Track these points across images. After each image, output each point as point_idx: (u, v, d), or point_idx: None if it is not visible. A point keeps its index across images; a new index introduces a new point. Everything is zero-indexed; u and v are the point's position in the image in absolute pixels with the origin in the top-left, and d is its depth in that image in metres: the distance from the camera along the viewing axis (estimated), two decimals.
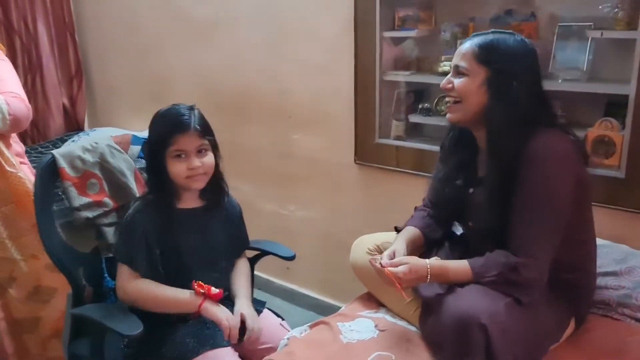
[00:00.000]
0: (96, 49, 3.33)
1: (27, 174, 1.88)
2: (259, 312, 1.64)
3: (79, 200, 1.63)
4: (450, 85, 1.46)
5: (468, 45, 1.44)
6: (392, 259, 1.46)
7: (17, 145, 1.99)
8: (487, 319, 1.26)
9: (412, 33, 2.11)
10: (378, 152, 2.28)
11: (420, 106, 2.20)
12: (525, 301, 1.33)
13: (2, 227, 1.84)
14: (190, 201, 1.60)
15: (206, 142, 1.55)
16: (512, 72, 1.39)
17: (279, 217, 2.73)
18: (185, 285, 1.52)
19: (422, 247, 1.63)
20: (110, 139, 1.74)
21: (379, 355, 1.47)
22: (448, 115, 1.49)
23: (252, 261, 1.82)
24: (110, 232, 1.69)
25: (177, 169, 1.51)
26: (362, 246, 1.74)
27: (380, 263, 1.43)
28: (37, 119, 3.13)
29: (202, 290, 1.49)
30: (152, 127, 1.58)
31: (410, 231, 1.62)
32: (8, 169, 1.85)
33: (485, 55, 1.40)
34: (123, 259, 1.54)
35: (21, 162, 1.94)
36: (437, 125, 2.17)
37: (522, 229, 1.35)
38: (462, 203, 1.54)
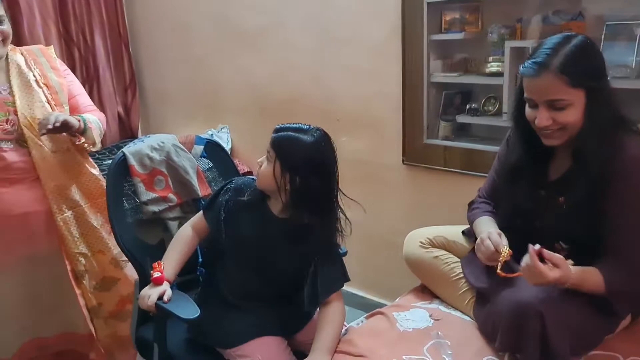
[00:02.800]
0: (149, 60, 3.47)
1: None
2: (315, 310, 1.62)
3: (146, 195, 1.73)
4: (550, 122, 1.33)
5: (549, 74, 1.29)
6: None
7: None
8: (543, 307, 1.28)
9: (459, 35, 2.16)
10: (426, 153, 2.33)
11: (467, 106, 2.24)
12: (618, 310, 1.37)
13: (76, 225, 1.96)
14: (276, 208, 1.53)
15: (270, 153, 1.48)
16: (599, 77, 1.33)
17: None
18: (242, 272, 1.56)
19: None
20: (175, 139, 1.84)
21: (436, 342, 1.51)
22: (547, 141, 1.39)
23: None
24: (174, 226, 1.78)
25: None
26: (415, 240, 1.78)
27: (532, 248, 1.30)
28: None
29: (152, 271, 1.53)
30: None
31: (491, 221, 1.58)
32: (90, 170, 2.01)
33: (575, 75, 1.29)
34: (205, 206, 1.62)
35: None
36: (485, 125, 2.22)
37: (629, 241, 1.35)
38: (526, 202, 1.50)
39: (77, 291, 1.95)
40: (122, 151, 1.71)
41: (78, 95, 2.07)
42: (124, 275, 2.06)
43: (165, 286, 1.51)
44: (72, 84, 2.06)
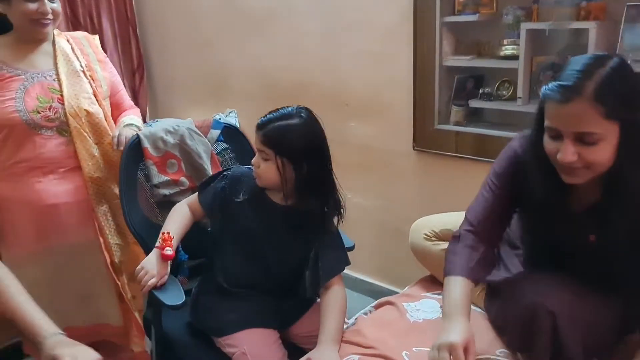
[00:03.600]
0: (157, 44, 3.44)
1: None
2: (314, 301, 1.60)
3: (158, 178, 1.72)
4: (576, 158, 1.12)
5: (581, 101, 1.07)
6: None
7: None
8: (555, 306, 1.22)
9: (473, 17, 2.11)
10: (437, 138, 2.30)
11: (480, 91, 2.20)
12: None
13: (112, 218, 1.92)
14: (278, 196, 1.51)
15: (268, 150, 1.43)
16: (638, 107, 1.11)
17: None
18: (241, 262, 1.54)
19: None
20: (191, 123, 1.83)
21: None
22: (568, 178, 1.18)
23: None
24: None
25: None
26: (420, 231, 1.74)
27: None
28: None
29: (160, 243, 1.49)
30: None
31: (464, 295, 1.28)
32: None
33: (612, 104, 1.07)
34: (200, 187, 1.58)
35: None
36: (498, 109, 2.19)
37: None
38: (551, 239, 1.34)
39: (118, 283, 1.92)
40: (137, 133, 1.70)
41: (121, 91, 2.04)
42: None
43: (167, 268, 1.50)
44: (114, 78, 2.02)
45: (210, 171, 1.80)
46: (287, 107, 1.46)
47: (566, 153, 1.12)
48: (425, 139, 2.34)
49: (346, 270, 2.76)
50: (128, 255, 1.96)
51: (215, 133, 1.84)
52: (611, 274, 1.25)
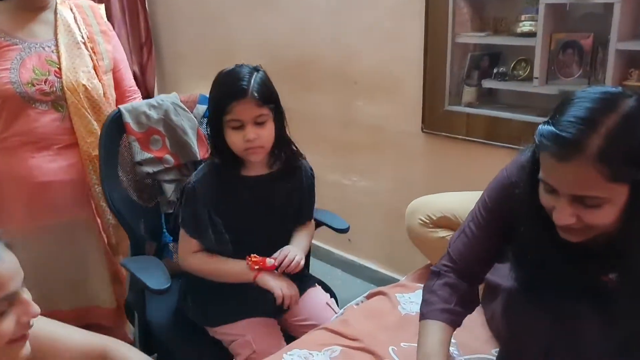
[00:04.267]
0: (165, 18, 3.37)
1: None
2: (308, 286, 1.61)
3: (141, 155, 1.64)
4: (574, 221, 0.94)
5: (583, 161, 0.87)
6: None
7: None
8: (542, 343, 1.10)
9: None
10: (447, 120, 2.16)
11: (495, 70, 2.05)
12: None
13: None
14: (256, 168, 1.49)
15: (265, 111, 1.38)
16: None
17: (341, 187, 2.67)
18: (246, 253, 1.49)
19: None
20: (176, 97, 1.74)
21: None
22: (566, 236, 0.99)
23: None
24: (170, 189, 1.70)
25: (234, 139, 1.38)
26: (415, 214, 1.66)
27: None
28: None
29: (256, 267, 1.45)
30: (212, 90, 1.46)
31: (441, 345, 1.13)
32: None
33: (620, 165, 0.87)
34: (192, 233, 1.47)
35: None
36: (513, 90, 2.05)
37: None
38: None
39: (116, 263, 1.87)
40: (118, 107, 1.62)
41: (123, 69, 1.95)
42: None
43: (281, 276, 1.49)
44: (118, 54, 1.93)
45: (196, 148, 1.71)
46: (231, 66, 1.46)
47: (562, 214, 0.93)
48: (435, 120, 2.21)
49: (348, 255, 2.74)
50: (124, 235, 1.84)
51: (202, 108, 1.74)
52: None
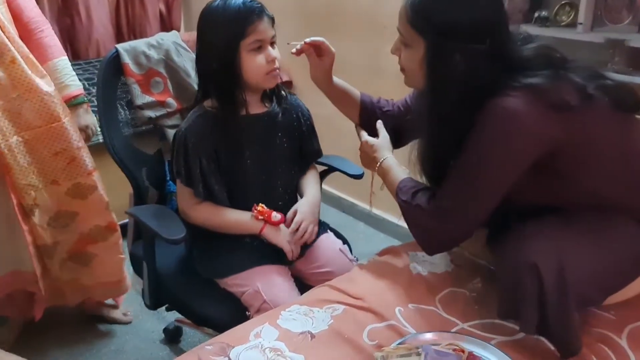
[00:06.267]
0: None
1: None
2: (321, 232, 1.53)
3: (141, 98, 1.56)
4: (399, 53, 1.21)
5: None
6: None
7: None
8: (538, 257, 1.06)
9: None
10: None
11: (536, 14, 1.89)
12: (420, 245, 1.26)
13: (24, 153, 1.59)
14: (254, 107, 1.43)
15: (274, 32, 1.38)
16: (453, 41, 1.09)
17: None
18: (248, 201, 1.44)
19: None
20: (177, 36, 1.62)
21: (452, 291, 1.30)
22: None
23: (321, 176, 1.68)
24: (172, 135, 1.60)
25: (257, 63, 1.34)
26: None
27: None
28: (134, 25, 3.12)
29: (260, 217, 1.42)
30: (213, 23, 1.35)
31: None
32: (43, 87, 1.56)
33: (416, 14, 1.12)
34: (185, 182, 1.42)
35: None
36: (555, 37, 1.84)
37: (452, 186, 1.18)
38: None
39: (25, 227, 1.63)
40: (115, 47, 1.52)
41: None
42: (85, 207, 1.72)
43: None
44: None
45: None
46: None
47: (395, 44, 1.20)
48: None
49: (373, 209, 2.63)
50: (45, 196, 1.65)
51: None
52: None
